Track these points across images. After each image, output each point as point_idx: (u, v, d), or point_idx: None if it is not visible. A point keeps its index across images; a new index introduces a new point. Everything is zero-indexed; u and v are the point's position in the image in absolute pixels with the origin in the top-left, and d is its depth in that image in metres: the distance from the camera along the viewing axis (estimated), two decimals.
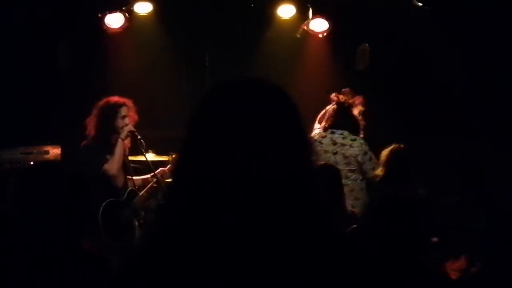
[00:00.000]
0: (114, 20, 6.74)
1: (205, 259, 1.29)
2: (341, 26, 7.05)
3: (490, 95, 6.62)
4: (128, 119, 5.46)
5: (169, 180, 5.22)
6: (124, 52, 7.05)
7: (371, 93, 7.10)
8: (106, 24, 6.72)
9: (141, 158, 5.68)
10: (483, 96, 6.65)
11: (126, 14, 6.74)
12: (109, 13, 6.70)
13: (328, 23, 7.02)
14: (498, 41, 6.49)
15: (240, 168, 1.30)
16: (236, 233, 1.29)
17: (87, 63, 6.85)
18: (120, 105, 5.45)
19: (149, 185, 5.46)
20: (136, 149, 5.70)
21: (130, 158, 5.82)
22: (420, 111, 7.16)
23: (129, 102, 5.51)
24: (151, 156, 5.72)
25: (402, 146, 5.15)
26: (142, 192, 5.43)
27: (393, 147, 5.14)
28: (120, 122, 5.44)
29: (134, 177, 5.58)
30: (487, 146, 6.46)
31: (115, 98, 5.46)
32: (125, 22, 6.75)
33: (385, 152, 5.16)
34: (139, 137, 5.56)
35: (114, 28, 6.77)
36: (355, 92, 6.18)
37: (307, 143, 1.41)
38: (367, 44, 7.16)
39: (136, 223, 5.36)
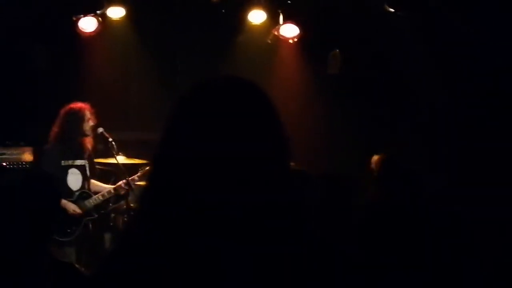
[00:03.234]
0: (88, 24, 6.79)
1: (180, 261, 1.28)
2: (311, 31, 7.05)
3: (464, 97, 6.64)
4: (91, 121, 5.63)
5: (143, 183, 5.38)
6: (98, 56, 7.09)
7: (342, 98, 7.20)
8: (80, 27, 6.79)
9: (112, 160, 5.77)
10: (456, 98, 6.69)
11: (100, 18, 6.80)
12: (83, 17, 6.77)
13: (299, 29, 7.03)
14: (471, 44, 6.49)
15: (218, 168, 1.30)
16: (217, 233, 1.28)
17: (63, 65, 6.90)
18: (85, 109, 5.58)
19: (106, 190, 5.68)
20: (107, 152, 5.79)
21: (101, 160, 5.93)
22: (391, 115, 7.18)
23: (89, 106, 5.66)
24: (122, 159, 5.80)
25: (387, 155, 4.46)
26: (97, 195, 5.66)
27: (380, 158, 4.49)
28: (87, 125, 5.57)
29: (102, 184, 5.79)
30: (460, 147, 6.52)
31: (78, 104, 5.60)
32: (98, 26, 6.81)
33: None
34: (110, 139, 5.66)
35: (88, 32, 6.83)
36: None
37: (287, 141, 1.40)
38: (338, 50, 7.23)
39: (86, 223, 5.62)
